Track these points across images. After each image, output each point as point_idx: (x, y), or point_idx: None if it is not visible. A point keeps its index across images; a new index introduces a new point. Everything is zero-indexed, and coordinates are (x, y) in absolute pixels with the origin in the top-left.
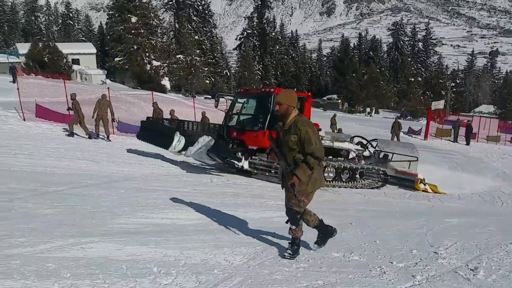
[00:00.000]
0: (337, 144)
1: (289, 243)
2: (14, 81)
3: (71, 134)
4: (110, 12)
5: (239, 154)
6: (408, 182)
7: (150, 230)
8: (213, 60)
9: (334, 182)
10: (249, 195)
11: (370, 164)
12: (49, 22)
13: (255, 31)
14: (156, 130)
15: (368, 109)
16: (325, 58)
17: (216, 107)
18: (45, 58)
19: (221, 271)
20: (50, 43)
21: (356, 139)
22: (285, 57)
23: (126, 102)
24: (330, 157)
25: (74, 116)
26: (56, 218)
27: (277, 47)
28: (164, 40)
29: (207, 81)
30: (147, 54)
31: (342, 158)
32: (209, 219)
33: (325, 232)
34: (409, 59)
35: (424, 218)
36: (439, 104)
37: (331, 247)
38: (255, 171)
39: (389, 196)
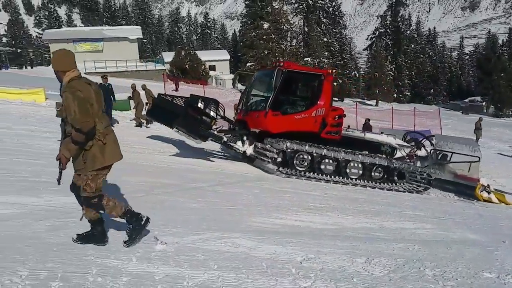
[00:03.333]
0: (370, 137)
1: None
2: (176, 89)
3: (139, 124)
4: (244, 20)
5: (244, 138)
6: (466, 188)
7: (285, 231)
8: (342, 62)
9: (362, 180)
10: (384, 203)
11: (427, 167)
12: (189, 32)
13: (388, 30)
14: (165, 108)
15: None
16: (467, 57)
17: (233, 86)
18: (186, 65)
19: (360, 281)
20: (191, 51)
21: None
22: (421, 56)
23: None
24: (366, 152)
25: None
26: (201, 212)
27: (412, 45)
28: (293, 44)
29: (335, 83)
30: (277, 58)
31: (384, 155)
32: (343, 225)
33: (92, 235)
34: None
35: None
36: None
37: (482, 266)
38: (258, 157)
39: None
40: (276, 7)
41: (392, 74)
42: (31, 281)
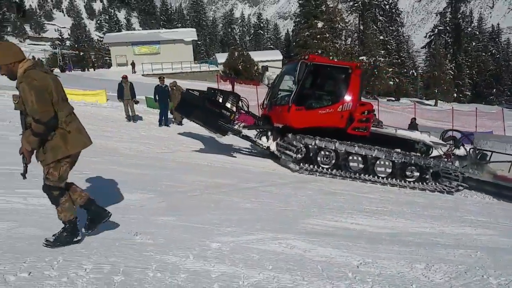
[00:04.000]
0: (402, 133)
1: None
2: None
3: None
4: (297, 19)
5: (269, 133)
6: (506, 190)
7: (340, 234)
8: (399, 60)
9: (392, 179)
10: (443, 207)
11: (465, 167)
12: (242, 33)
13: (447, 27)
14: (190, 102)
15: None
16: None
17: (261, 81)
18: (239, 66)
19: (420, 287)
20: (244, 52)
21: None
22: (483, 54)
23: None
24: (398, 150)
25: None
26: (254, 212)
27: (474, 43)
28: (348, 43)
29: (391, 82)
30: (331, 57)
31: (419, 154)
32: (402, 229)
33: (95, 216)
34: None
35: None
36: None
37: None
38: (282, 155)
39: None
40: (331, 5)
41: (452, 73)
42: (95, 274)
